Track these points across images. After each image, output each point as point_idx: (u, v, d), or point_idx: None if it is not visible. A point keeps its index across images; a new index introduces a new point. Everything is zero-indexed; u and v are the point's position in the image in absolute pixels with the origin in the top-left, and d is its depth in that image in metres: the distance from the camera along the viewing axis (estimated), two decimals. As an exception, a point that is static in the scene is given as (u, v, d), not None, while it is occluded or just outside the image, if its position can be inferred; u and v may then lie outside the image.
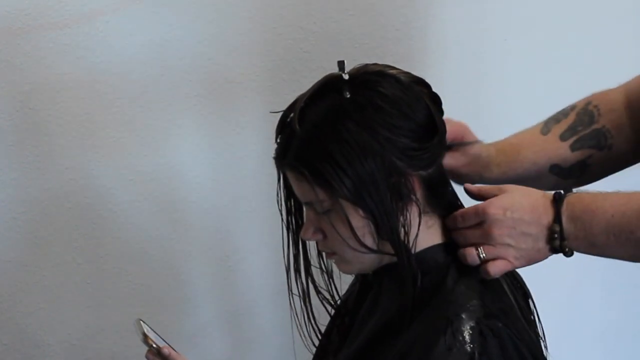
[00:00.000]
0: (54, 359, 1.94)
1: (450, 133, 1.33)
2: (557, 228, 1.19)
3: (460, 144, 1.40)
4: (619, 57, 2.20)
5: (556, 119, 1.51)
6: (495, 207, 1.21)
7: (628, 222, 1.16)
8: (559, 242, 1.19)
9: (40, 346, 1.93)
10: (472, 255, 1.22)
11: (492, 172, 1.44)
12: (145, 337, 1.29)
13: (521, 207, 1.21)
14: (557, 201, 1.20)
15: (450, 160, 1.36)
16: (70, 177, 1.87)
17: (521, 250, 1.21)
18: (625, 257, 1.21)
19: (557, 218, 1.19)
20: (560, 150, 1.47)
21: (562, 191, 1.21)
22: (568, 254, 1.20)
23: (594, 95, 1.54)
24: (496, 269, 1.22)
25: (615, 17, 2.17)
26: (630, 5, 2.18)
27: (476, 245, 1.22)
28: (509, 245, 1.21)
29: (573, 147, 1.46)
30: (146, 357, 1.31)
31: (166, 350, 1.28)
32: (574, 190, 1.22)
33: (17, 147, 1.83)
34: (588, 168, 1.47)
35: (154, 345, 1.28)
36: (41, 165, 1.85)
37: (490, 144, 1.48)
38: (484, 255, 1.22)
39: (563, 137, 1.47)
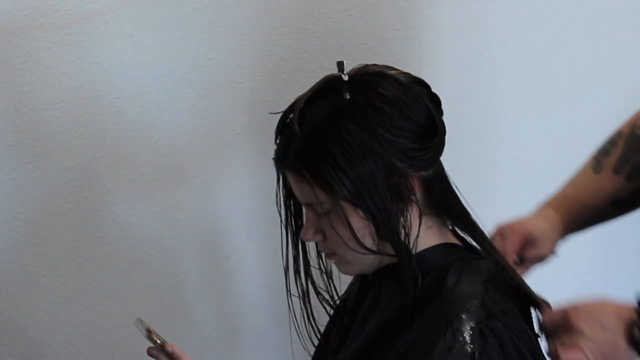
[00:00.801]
0: (54, 359, 1.94)
1: (517, 247, 1.37)
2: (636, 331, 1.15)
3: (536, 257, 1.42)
4: (619, 57, 2.20)
5: (605, 151, 1.51)
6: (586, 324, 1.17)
7: None
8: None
9: (40, 346, 1.93)
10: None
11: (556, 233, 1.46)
12: (149, 333, 1.29)
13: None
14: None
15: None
16: (70, 177, 1.87)
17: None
18: None
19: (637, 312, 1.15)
20: (617, 185, 1.47)
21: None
22: None
23: (638, 116, 1.53)
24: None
25: (615, 17, 2.17)
26: (630, 5, 2.18)
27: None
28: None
29: (629, 178, 1.46)
30: (149, 353, 1.30)
31: (169, 347, 1.28)
32: None
33: (17, 147, 1.83)
34: None
35: (158, 342, 1.28)
36: (41, 165, 1.85)
37: (548, 207, 1.49)
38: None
39: (616, 171, 1.48)
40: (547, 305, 1.27)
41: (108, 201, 1.91)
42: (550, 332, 1.23)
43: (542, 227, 1.45)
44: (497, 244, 1.41)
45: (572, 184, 1.53)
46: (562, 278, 2.06)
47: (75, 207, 1.89)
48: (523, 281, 1.33)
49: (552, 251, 1.46)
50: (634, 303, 1.18)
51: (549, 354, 1.22)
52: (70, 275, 1.92)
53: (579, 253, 2.35)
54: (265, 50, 1.94)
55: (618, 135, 1.51)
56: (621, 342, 1.15)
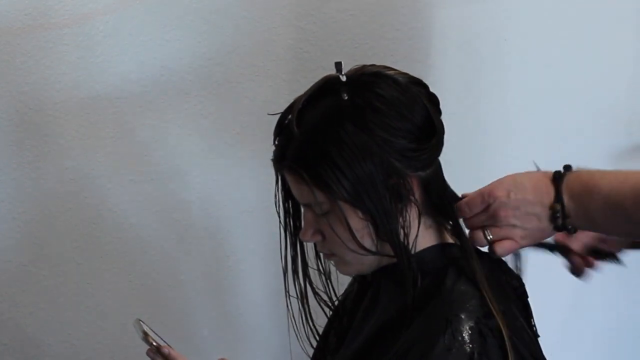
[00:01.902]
0: (54, 359, 1.94)
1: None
2: (558, 207, 1.20)
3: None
4: (619, 57, 2.20)
5: None
6: (499, 190, 1.22)
7: (623, 199, 1.16)
8: (561, 220, 1.20)
9: (40, 346, 1.93)
10: (480, 237, 1.24)
11: None
12: (145, 336, 1.29)
13: (524, 188, 1.22)
14: (557, 180, 1.21)
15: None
16: (70, 177, 1.87)
17: (526, 230, 1.22)
18: (622, 234, 1.24)
19: (558, 197, 1.20)
20: None
21: (562, 169, 1.22)
22: (571, 231, 1.21)
23: None
24: (503, 249, 1.23)
25: (615, 17, 2.17)
26: (630, 5, 2.18)
27: (483, 228, 1.24)
28: (514, 225, 1.22)
29: None
30: (147, 354, 1.31)
31: (166, 350, 1.28)
32: (574, 169, 1.22)
33: (17, 147, 1.83)
34: None
35: (154, 344, 1.29)
36: (41, 165, 1.85)
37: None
38: (491, 237, 1.23)
39: None
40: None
41: (108, 201, 1.91)
42: (471, 218, 1.26)
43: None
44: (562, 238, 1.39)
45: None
46: (564, 279, 2.05)
47: (75, 207, 1.89)
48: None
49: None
50: (552, 180, 1.21)
51: (470, 238, 1.25)
52: (70, 275, 1.92)
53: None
54: (265, 50, 1.94)
55: None
56: (547, 225, 1.21)
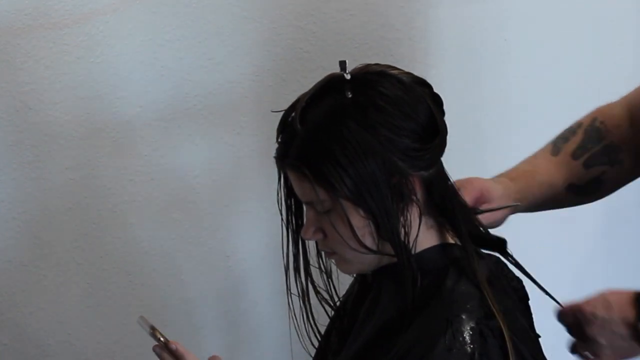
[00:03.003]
0: (54, 359, 1.94)
1: (472, 200, 1.38)
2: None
3: (488, 209, 1.42)
4: (619, 57, 2.20)
5: (564, 137, 1.53)
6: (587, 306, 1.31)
7: None
8: None
9: (40, 346, 1.93)
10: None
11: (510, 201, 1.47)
12: (153, 331, 1.29)
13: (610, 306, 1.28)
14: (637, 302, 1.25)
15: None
16: (70, 177, 1.87)
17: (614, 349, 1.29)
18: None
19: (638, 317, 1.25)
20: (574, 169, 1.49)
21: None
22: None
23: (598, 111, 1.56)
24: None
25: (615, 17, 2.17)
26: (630, 5, 2.18)
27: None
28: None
29: (586, 165, 1.47)
30: (154, 350, 1.31)
31: (173, 345, 1.28)
32: None
33: (17, 147, 1.83)
34: (603, 184, 1.49)
35: (162, 339, 1.29)
36: (41, 165, 1.85)
37: (505, 177, 1.50)
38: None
39: (575, 156, 1.49)
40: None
41: (108, 201, 1.91)
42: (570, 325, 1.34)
43: (499, 189, 1.45)
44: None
45: (529, 161, 1.54)
46: (563, 279, 2.06)
47: (75, 207, 1.89)
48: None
49: (502, 219, 1.46)
50: (633, 302, 1.26)
51: (573, 351, 1.34)
52: (70, 275, 1.92)
53: (578, 252, 2.36)
54: (265, 50, 1.94)
55: (578, 125, 1.54)
56: (633, 344, 1.27)
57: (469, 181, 1.45)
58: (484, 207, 1.42)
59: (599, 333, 1.27)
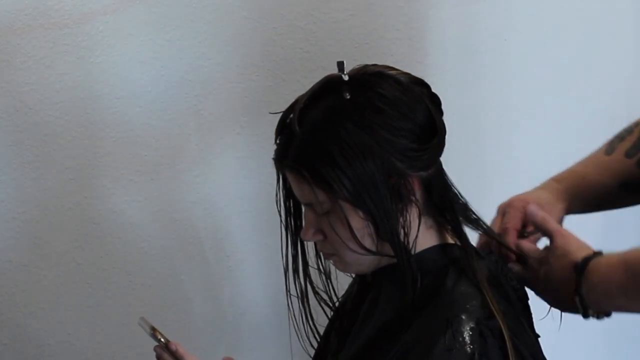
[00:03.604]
0: (54, 359, 1.94)
1: (518, 223, 1.40)
2: (577, 298, 1.25)
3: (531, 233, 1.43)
4: (619, 57, 2.20)
5: (620, 137, 1.52)
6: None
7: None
8: (582, 310, 1.26)
9: (40, 346, 1.93)
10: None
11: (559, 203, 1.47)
12: (153, 331, 1.30)
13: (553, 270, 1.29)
14: (578, 272, 1.24)
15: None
16: (70, 177, 1.87)
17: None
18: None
19: (578, 290, 1.24)
20: (627, 168, 1.47)
21: (590, 255, 1.25)
22: (598, 317, 1.27)
23: None
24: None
25: (615, 17, 2.17)
26: (630, 5, 2.18)
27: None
28: None
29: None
30: (155, 350, 1.31)
31: (173, 346, 1.28)
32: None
33: (17, 147, 1.83)
34: None
35: (162, 340, 1.29)
36: (41, 165, 1.85)
37: (552, 180, 1.50)
38: None
39: (629, 154, 1.47)
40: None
41: (108, 201, 1.91)
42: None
43: (545, 197, 1.44)
44: (498, 223, 1.41)
45: (581, 162, 1.52)
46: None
47: (75, 207, 1.89)
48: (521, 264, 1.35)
49: (557, 221, 1.44)
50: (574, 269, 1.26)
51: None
52: (70, 275, 1.92)
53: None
54: (265, 50, 1.94)
55: (635, 124, 1.52)
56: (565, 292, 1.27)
57: (509, 204, 1.44)
58: (529, 228, 1.42)
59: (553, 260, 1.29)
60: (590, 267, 1.23)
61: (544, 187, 1.49)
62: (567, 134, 2.18)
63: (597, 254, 1.25)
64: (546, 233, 1.33)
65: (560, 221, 1.45)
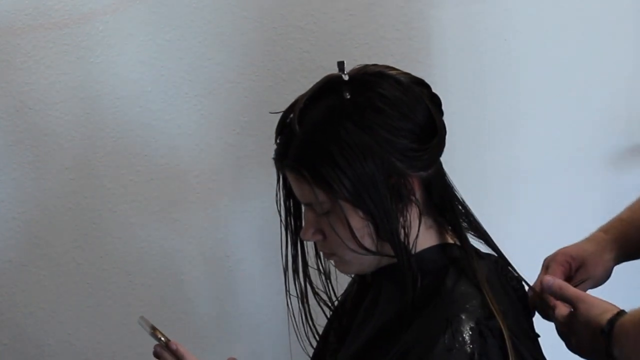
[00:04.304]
0: (54, 359, 1.94)
1: (562, 277, 1.38)
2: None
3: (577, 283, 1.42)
4: (619, 57, 2.20)
5: None
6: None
7: None
8: None
9: (40, 346, 1.93)
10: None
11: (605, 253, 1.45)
12: (154, 331, 1.30)
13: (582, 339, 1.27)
14: (605, 337, 1.23)
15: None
16: (70, 177, 1.87)
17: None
18: None
19: (610, 352, 1.22)
20: None
21: (614, 317, 1.23)
22: None
23: None
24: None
25: (615, 17, 2.17)
26: (630, 5, 2.18)
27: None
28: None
29: None
30: (155, 349, 1.31)
31: (174, 345, 1.28)
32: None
33: (17, 147, 1.83)
34: None
35: (162, 339, 1.29)
36: (41, 165, 1.85)
37: (600, 231, 1.48)
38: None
39: None
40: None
41: (108, 201, 1.91)
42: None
43: (590, 249, 1.43)
44: (542, 277, 1.40)
45: (630, 207, 1.50)
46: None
47: (75, 207, 1.89)
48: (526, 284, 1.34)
49: (604, 273, 1.43)
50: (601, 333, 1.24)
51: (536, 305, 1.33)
52: (70, 275, 1.92)
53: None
54: (265, 50, 1.93)
55: None
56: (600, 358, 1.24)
57: (552, 258, 1.43)
58: (577, 278, 1.41)
59: (578, 328, 1.27)
60: (617, 329, 1.21)
61: (591, 238, 1.46)
62: (567, 134, 2.18)
63: (621, 313, 1.23)
64: (566, 301, 1.31)
65: (609, 271, 1.44)
